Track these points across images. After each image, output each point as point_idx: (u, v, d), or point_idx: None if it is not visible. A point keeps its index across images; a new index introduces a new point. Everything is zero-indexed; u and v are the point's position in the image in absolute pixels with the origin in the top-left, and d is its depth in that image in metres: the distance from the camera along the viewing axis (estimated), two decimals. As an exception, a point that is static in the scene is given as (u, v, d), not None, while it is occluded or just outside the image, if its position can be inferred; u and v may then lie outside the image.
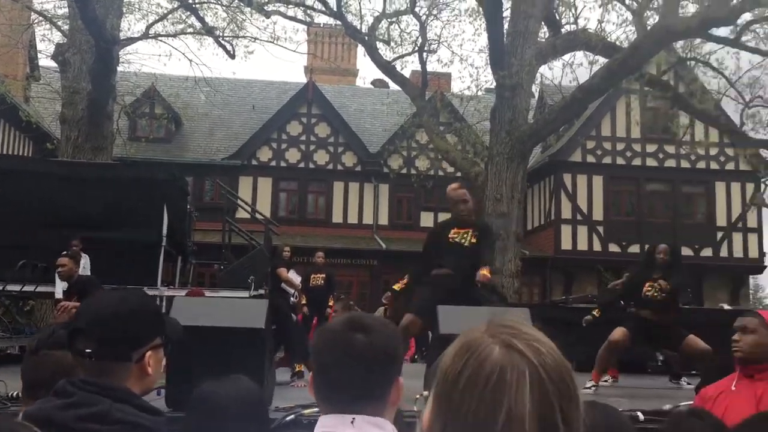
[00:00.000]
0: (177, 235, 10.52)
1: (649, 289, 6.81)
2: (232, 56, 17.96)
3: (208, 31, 17.28)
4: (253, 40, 17.66)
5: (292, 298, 10.40)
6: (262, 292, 9.89)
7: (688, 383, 7.22)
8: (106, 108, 14.24)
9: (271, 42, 17.62)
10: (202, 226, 15.51)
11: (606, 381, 7.56)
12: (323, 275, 10.23)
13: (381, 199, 23.66)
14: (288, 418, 3.69)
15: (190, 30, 17.49)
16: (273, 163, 23.69)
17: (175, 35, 17.46)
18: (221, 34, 17.67)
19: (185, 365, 3.62)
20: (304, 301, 9.93)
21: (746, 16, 13.16)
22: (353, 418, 1.33)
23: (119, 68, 15.86)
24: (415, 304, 5.72)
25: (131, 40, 17.23)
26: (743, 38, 14.12)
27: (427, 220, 23.31)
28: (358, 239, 22.55)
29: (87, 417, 1.48)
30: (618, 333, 6.84)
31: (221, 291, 9.66)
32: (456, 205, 5.84)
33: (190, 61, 18.19)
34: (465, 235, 5.71)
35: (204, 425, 2.00)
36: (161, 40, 17.74)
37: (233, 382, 2.06)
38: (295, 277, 10.60)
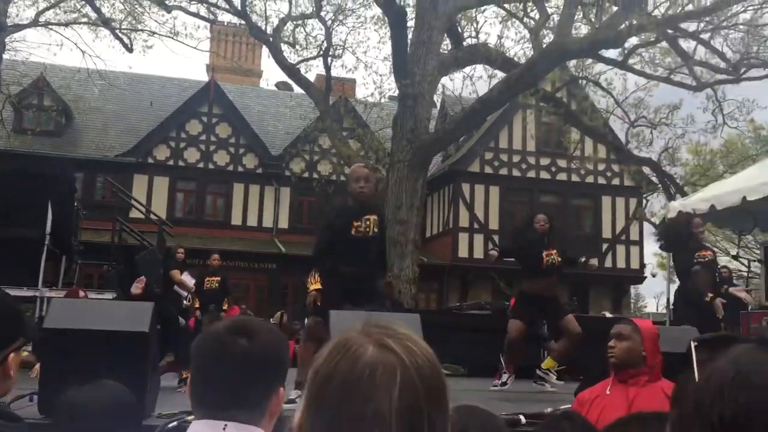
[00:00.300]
0: (62, 233, 10.01)
1: (547, 258, 6.92)
2: (130, 50, 17.34)
3: (104, 22, 16.59)
4: (151, 34, 17.10)
5: (185, 301, 10.12)
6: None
7: (550, 385, 7.51)
8: (-12, 97, 13.39)
9: (170, 37, 17.12)
10: (93, 225, 14.86)
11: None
12: (218, 278, 10.00)
13: (282, 202, 23.43)
14: (170, 425, 3.56)
15: (84, 20, 16.75)
16: (170, 162, 22.99)
17: (67, 24, 16.67)
18: (118, 26, 17.01)
19: (61, 370, 3.44)
20: (197, 305, 9.67)
21: (633, 41, 13.96)
22: (225, 425, 1.29)
23: (5, 56, 14.99)
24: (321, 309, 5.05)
25: (19, 27, 16.31)
26: (630, 61, 14.97)
27: (327, 224, 23.28)
28: (258, 242, 22.22)
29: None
30: (513, 328, 6.95)
31: (107, 293, 9.27)
32: (357, 181, 5.21)
33: (83, 52, 17.42)
34: (368, 223, 5.16)
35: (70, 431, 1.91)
36: (52, 29, 16.89)
37: (100, 387, 1.98)
38: (188, 279, 10.31)
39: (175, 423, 3.54)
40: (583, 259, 7.58)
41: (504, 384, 7.04)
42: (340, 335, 0.91)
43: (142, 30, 17.21)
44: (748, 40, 14.25)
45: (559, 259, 6.91)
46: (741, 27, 14.07)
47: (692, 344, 2.40)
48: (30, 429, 2.03)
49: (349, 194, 5.38)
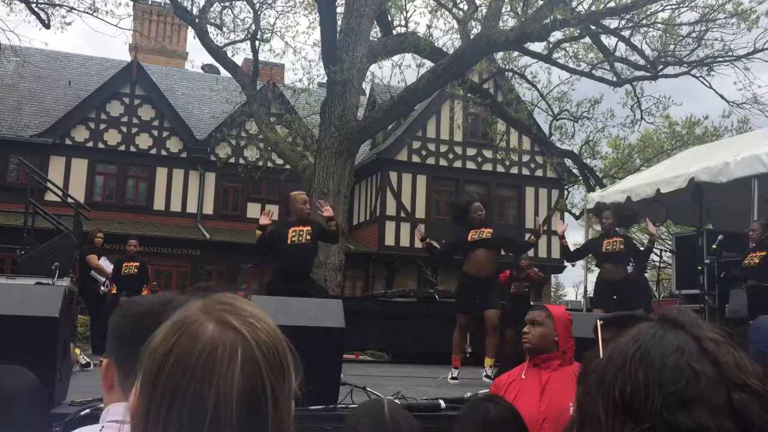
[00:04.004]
0: (-30, 216, 9.53)
1: (474, 234, 7.04)
2: (47, 26, 16.55)
3: (20, -6, 15.79)
4: (69, 9, 16.37)
5: (102, 287, 9.84)
6: (67, 279, 9.24)
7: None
8: None
9: (90, 14, 16.44)
10: (5, 207, 14.21)
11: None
12: (137, 263, 9.75)
13: (206, 187, 22.98)
14: (83, 413, 3.46)
15: (-2, -8, 15.89)
16: (90, 144, 22.17)
17: (-22, -4, 15.79)
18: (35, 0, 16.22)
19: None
20: (114, 291, 9.40)
21: (558, 35, 14.30)
22: None
23: None
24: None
25: (-76, -3, 15.34)
26: (555, 55, 15.31)
27: (253, 211, 22.96)
28: (181, 228, 21.76)
29: None
30: (461, 318, 7.12)
31: (20, 278, 8.88)
32: (303, 204, 6.99)
33: (-3, 26, 16.56)
34: (301, 233, 6.83)
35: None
36: (-38, 0, 15.95)
37: (6, 371, 1.89)
38: (106, 264, 10.03)
39: (87, 410, 3.44)
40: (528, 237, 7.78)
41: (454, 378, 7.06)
42: (179, 312, 0.87)
43: (60, 5, 16.46)
44: (665, 38, 14.80)
45: (489, 235, 7.00)
46: (659, 25, 14.60)
47: (598, 323, 2.49)
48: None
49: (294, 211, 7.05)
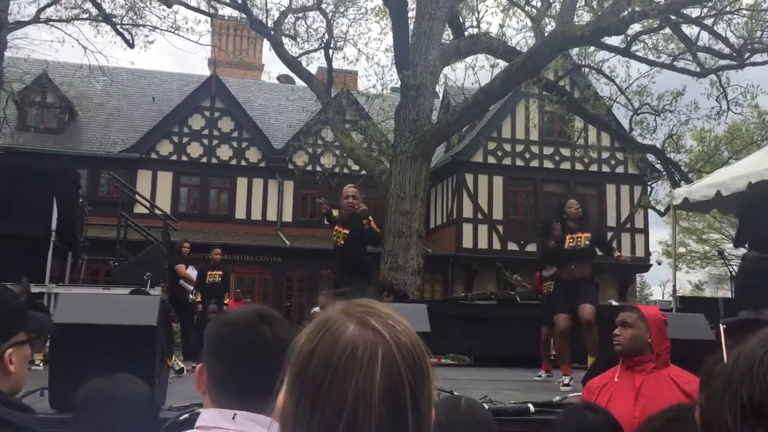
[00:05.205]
0: (67, 229, 10.03)
1: (571, 241, 6.81)
2: (131, 45, 17.33)
3: (105, 17, 16.59)
4: (153, 29, 17.08)
5: (190, 296, 10.17)
6: (158, 289, 9.60)
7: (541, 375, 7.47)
8: (-9, 95, 13.41)
9: (171, 32, 17.10)
10: (97, 221, 14.87)
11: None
12: (220, 272, 10.02)
13: (285, 195, 23.44)
14: (182, 417, 3.58)
15: (86, 16, 16.73)
16: (174, 157, 23.01)
17: (68, 20, 16.66)
18: (119, 21, 17.00)
19: (70, 365, 3.46)
20: (199, 299, 9.71)
21: (636, 27, 13.90)
22: (234, 414, 1.29)
23: (7, 53, 14.98)
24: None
25: (20, 24, 16.30)
26: (633, 48, 14.89)
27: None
28: (262, 236, 22.26)
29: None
30: (561, 321, 6.75)
31: (115, 288, 9.29)
32: (346, 198, 6.42)
33: (85, 48, 17.38)
34: (339, 235, 6.41)
35: (94, 426, 1.91)
36: (53, 25, 16.88)
37: (122, 381, 1.98)
38: (194, 274, 10.36)
39: (186, 415, 3.56)
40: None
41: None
42: (321, 315, 0.91)
43: (143, 25, 17.20)
44: (751, 25, 14.17)
45: (588, 243, 6.72)
46: (744, 12, 14.00)
47: (721, 327, 2.42)
48: (43, 424, 2.05)
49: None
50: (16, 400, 1.53)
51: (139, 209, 17.05)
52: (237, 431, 1.28)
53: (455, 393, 4.54)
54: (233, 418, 1.29)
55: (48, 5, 16.41)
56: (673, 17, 13.28)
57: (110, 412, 1.90)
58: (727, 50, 14.64)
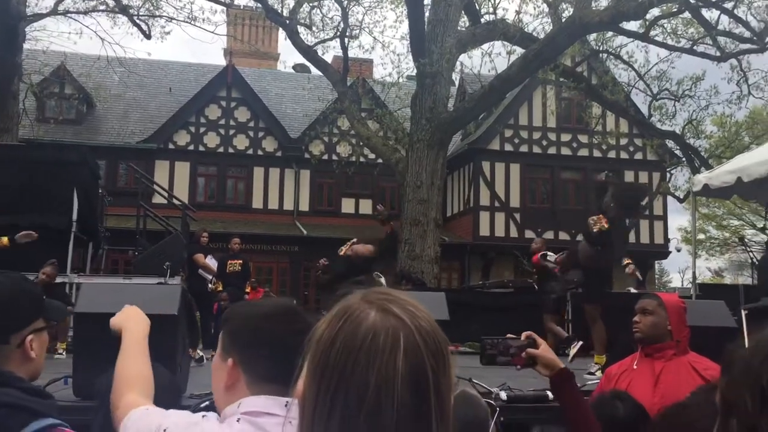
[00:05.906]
0: (88, 220, 10.14)
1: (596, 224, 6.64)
2: (148, 36, 17.39)
3: (122, 9, 16.66)
4: (169, 20, 17.13)
5: (210, 285, 10.25)
6: (178, 278, 9.68)
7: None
8: (10, 87, 13.56)
9: (188, 22, 17.15)
10: (117, 211, 15.01)
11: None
12: (240, 261, 10.10)
13: (302, 185, 23.50)
14: (203, 405, 3.62)
15: (103, 7, 16.83)
16: (191, 147, 23.13)
17: (86, 12, 16.75)
18: (136, 12, 17.07)
19: (93, 354, 3.50)
20: (220, 288, 9.79)
21: (655, 12, 13.72)
22: (287, 401, 1.28)
23: (25, 45, 15.10)
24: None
25: (38, 16, 16.42)
26: (652, 33, 14.72)
27: (348, 206, 23.31)
28: (279, 225, 22.35)
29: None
30: (598, 309, 6.75)
31: (135, 278, 9.39)
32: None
33: (102, 40, 17.46)
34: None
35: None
36: (71, 17, 16.98)
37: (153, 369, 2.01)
38: (212, 263, 10.44)
39: (207, 402, 3.60)
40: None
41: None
42: (342, 302, 0.91)
43: (159, 16, 17.25)
44: (772, 8, 13.96)
45: (606, 226, 6.49)
46: (765, -6, 13.78)
47: (743, 313, 2.41)
48: (67, 411, 2.08)
49: None
50: (35, 386, 1.57)
51: (157, 199, 17.19)
52: (291, 418, 1.29)
53: (474, 380, 4.56)
54: (286, 405, 1.27)
55: (65, -3, 16.52)
56: (692, 1, 13.11)
57: None
58: (747, 34, 14.42)
